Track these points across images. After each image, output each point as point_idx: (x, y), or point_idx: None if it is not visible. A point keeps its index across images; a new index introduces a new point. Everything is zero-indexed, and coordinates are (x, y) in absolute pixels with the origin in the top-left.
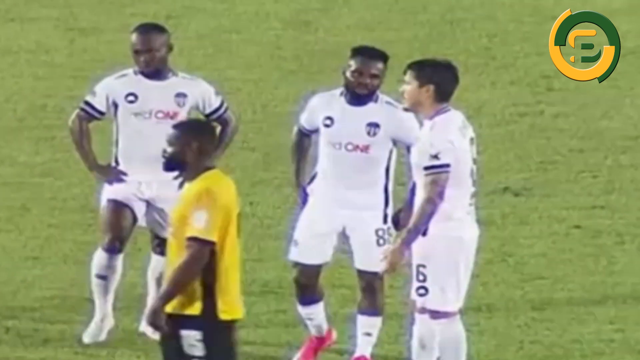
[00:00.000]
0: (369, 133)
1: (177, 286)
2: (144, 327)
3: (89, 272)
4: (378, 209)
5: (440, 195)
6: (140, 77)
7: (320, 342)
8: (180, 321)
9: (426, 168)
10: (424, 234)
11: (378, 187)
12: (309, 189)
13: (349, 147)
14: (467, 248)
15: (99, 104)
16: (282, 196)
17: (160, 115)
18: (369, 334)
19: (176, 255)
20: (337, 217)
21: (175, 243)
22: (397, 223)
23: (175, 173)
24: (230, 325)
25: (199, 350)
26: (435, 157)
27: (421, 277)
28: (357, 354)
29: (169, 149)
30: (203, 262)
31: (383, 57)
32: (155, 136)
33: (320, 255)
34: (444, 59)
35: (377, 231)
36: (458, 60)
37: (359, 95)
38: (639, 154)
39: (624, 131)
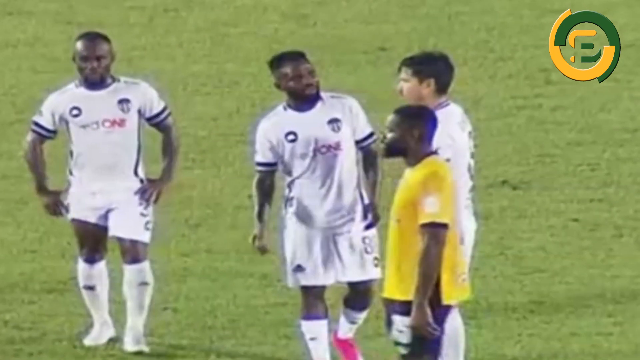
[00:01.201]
0: (333, 129)
1: (429, 276)
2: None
3: None
4: (358, 210)
5: None
6: (81, 89)
7: None
8: (394, 306)
9: None
10: None
11: (354, 184)
12: (288, 215)
13: (323, 149)
14: (466, 236)
15: (47, 122)
16: (280, 189)
17: (107, 124)
18: (354, 322)
19: (398, 240)
20: (328, 227)
21: (397, 228)
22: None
23: (128, 180)
24: (448, 309)
25: (405, 337)
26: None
27: None
28: (342, 336)
29: (389, 135)
30: (443, 244)
31: (305, 55)
32: (106, 146)
33: (332, 274)
34: (436, 51)
35: (364, 239)
36: (456, 54)
37: (307, 99)
38: (637, 147)
39: (622, 124)
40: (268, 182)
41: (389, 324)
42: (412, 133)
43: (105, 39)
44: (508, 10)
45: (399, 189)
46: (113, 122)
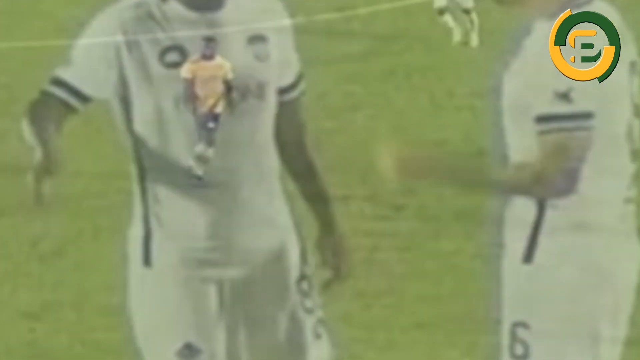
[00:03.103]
0: (258, 57)
1: None
2: None
3: None
4: (290, 236)
5: (572, 176)
6: None
7: None
8: None
9: (543, 119)
10: (528, 259)
11: (276, 177)
12: (151, 247)
13: (233, 95)
14: (614, 285)
15: None
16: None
17: None
18: None
19: None
20: (215, 270)
21: None
22: None
23: None
24: None
25: None
26: (565, 96)
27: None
28: None
29: None
30: None
31: None
32: None
33: None
34: None
35: (299, 284)
36: None
37: None
38: None
39: None
40: (53, 114)
41: None
42: None
43: None
44: None
45: None
46: None
